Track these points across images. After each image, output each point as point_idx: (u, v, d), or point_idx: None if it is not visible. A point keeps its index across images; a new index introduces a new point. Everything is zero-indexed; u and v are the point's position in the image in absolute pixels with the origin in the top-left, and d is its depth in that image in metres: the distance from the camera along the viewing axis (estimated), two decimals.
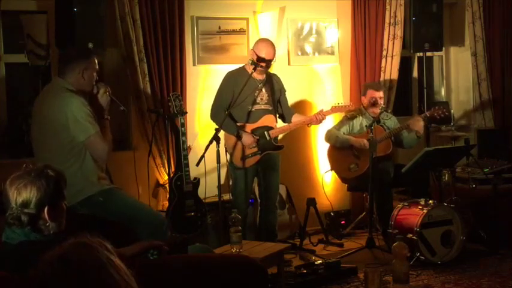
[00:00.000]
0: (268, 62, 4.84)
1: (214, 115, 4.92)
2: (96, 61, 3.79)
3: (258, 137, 4.88)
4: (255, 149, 4.89)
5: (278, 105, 5.08)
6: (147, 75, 5.07)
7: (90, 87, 3.74)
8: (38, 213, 2.29)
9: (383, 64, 6.11)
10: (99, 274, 1.43)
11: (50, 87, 3.83)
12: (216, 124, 4.81)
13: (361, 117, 5.50)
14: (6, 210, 2.32)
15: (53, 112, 3.60)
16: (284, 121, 5.14)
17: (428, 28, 6.07)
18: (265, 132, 4.92)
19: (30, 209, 2.28)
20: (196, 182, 4.99)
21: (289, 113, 5.11)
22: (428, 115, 5.38)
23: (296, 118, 5.08)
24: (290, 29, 5.88)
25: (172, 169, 5.08)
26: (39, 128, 3.71)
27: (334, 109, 5.14)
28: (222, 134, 4.77)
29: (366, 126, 5.28)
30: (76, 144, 3.58)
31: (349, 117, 5.51)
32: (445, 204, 4.85)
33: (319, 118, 4.98)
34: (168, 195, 5.11)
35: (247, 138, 4.83)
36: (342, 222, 5.87)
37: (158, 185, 5.26)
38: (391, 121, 5.57)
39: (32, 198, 2.28)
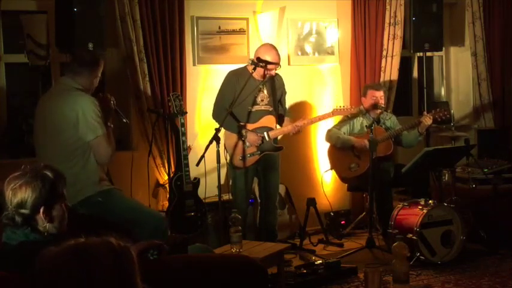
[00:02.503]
0: (272, 65, 4.82)
1: (217, 114, 4.91)
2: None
3: (262, 135, 4.87)
4: (254, 149, 4.89)
5: (279, 105, 5.07)
6: (147, 75, 5.07)
7: (94, 89, 3.82)
8: (33, 213, 2.28)
9: (383, 64, 6.11)
10: (134, 267, 1.43)
11: (57, 87, 3.87)
12: (218, 123, 4.81)
13: (361, 118, 5.50)
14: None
15: (63, 110, 3.62)
16: (281, 122, 5.12)
17: (428, 28, 6.07)
18: (265, 133, 4.92)
19: (25, 209, 2.27)
20: (196, 182, 5.00)
21: (285, 115, 5.11)
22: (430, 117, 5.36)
23: (284, 123, 5.04)
24: (290, 29, 5.88)
25: (172, 169, 5.08)
26: (44, 126, 3.73)
27: (336, 112, 5.14)
28: (222, 133, 4.77)
29: (366, 126, 5.28)
30: (81, 145, 3.59)
31: (350, 117, 5.50)
32: (445, 204, 4.85)
33: (295, 130, 4.94)
34: (168, 195, 5.11)
35: (251, 137, 4.83)
36: (342, 222, 5.86)
37: (158, 185, 5.25)
38: (391, 121, 5.57)
39: (27, 199, 2.27)
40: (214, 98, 5.00)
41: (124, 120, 4.02)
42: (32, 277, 1.48)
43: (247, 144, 4.87)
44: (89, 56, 3.85)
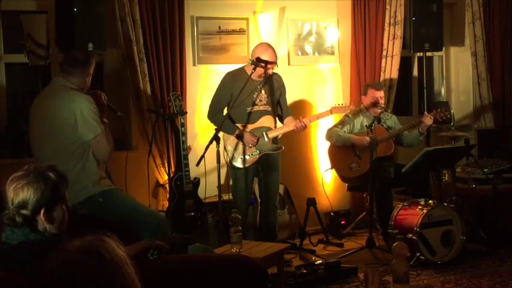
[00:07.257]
0: (271, 64, 4.82)
1: (212, 115, 4.92)
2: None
3: (258, 136, 4.87)
4: (254, 150, 4.89)
5: (278, 105, 5.07)
6: (147, 76, 5.07)
7: (88, 87, 3.81)
8: (33, 215, 2.28)
9: (383, 64, 6.11)
10: (119, 270, 1.43)
11: (52, 87, 3.84)
12: (213, 124, 4.83)
13: (361, 117, 5.50)
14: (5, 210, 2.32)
15: (60, 111, 3.61)
16: (282, 122, 5.13)
17: (428, 28, 6.07)
18: (264, 133, 4.91)
19: (26, 210, 2.27)
20: (196, 182, 5.00)
21: (286, 114, 5.10)
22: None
23: (287, 122, 5.02)
24: (290, 29, 5.88)
25: (172, 169, 5.08)
26: (41, 127, 3.71)
27: (334, 110, 5.14)
28: (222, 134, 4.77)
29: (366, 125, 5.28)
30: (80, 145, 3.59)
31: (351, 117, 5.49)
32: (445, 204, 4.85)
33: (299, 126, 4.92)
34: (168, 195, 5.11)
35: (246, 137, 4.83)
36: (342, 222, 5.87)
37: (158, 185, 5.26)
38: (392, 121, 5.56)
39: (28, 200, 2.27)
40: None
41: (118, 114, 4.00)
42: (39, 276, 1.48)
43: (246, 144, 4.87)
44: (82, 56, 3.81)
